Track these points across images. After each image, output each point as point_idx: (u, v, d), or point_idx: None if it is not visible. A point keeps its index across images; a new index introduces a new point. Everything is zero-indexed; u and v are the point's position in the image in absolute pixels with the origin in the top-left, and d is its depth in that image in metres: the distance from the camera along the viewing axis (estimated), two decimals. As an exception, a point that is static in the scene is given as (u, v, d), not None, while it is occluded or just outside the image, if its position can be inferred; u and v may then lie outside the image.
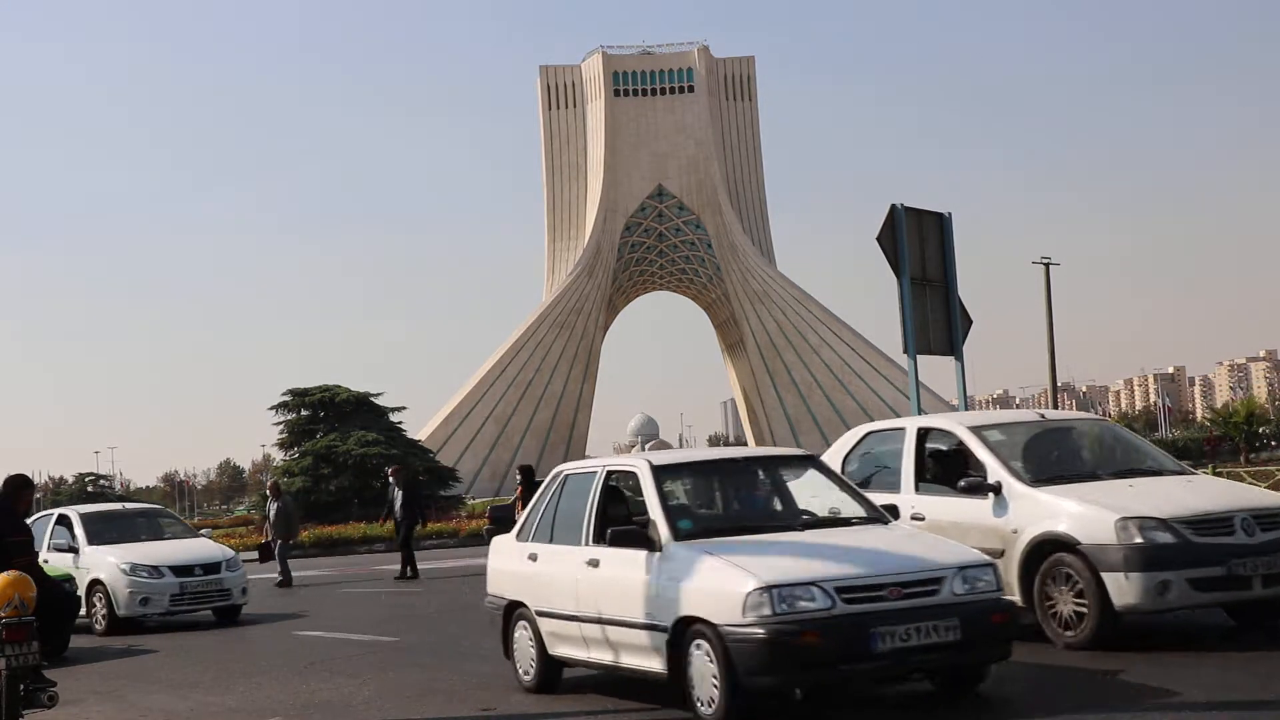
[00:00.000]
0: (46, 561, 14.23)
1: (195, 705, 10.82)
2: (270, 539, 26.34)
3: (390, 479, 26.67)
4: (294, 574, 25.99)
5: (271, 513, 26.56)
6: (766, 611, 7.89)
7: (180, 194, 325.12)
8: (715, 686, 8.20)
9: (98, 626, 18.05)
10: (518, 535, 10.68)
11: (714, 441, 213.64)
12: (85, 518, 19.44)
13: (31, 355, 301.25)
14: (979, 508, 10.38)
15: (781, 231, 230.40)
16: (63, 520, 19.46)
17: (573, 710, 9.22)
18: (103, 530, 19.12)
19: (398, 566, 25.51)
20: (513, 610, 10.51)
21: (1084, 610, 9.69)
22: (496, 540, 11.36)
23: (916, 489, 10.94)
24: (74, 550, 18.56)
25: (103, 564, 18.18)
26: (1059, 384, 42.26)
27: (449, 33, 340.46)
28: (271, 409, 65.14)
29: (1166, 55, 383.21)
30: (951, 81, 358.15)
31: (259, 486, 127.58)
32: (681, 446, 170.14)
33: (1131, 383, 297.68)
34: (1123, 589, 9.52)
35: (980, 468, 10.53)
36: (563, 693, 10.01)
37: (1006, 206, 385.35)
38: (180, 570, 18.15)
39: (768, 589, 7.93)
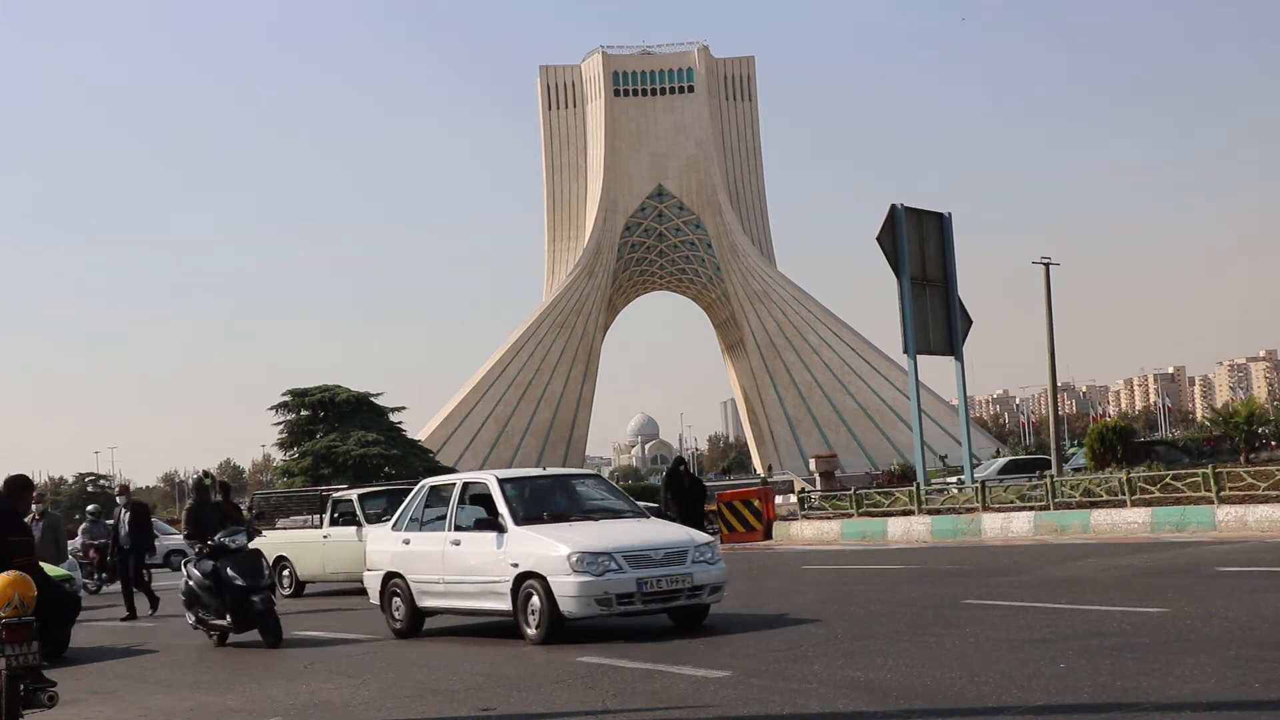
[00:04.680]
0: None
1: (195, 705, 10.81)
2: None
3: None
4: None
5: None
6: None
7: (179, 195, 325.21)
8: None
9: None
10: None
11: (714, 441, 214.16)
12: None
13: (32, 355, 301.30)
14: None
15: (781, 231, 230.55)
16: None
17: (572, 710, 9.22)
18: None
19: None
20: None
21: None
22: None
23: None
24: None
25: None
26: (1059, 384, 42.23)
27: (449, 33, 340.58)
28: (271, 409, 65.30)
29: (1165, 54, 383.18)
30: (951, 81, 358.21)
31: (259, 486, 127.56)
32: (681, 446, 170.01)
33: (1131, 383, 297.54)
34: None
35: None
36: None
37: (1006, 206, 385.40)
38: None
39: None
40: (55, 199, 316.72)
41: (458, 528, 13.95)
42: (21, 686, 8.34)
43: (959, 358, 32.50)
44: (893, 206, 31.34)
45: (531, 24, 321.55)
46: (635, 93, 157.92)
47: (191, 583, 15.56)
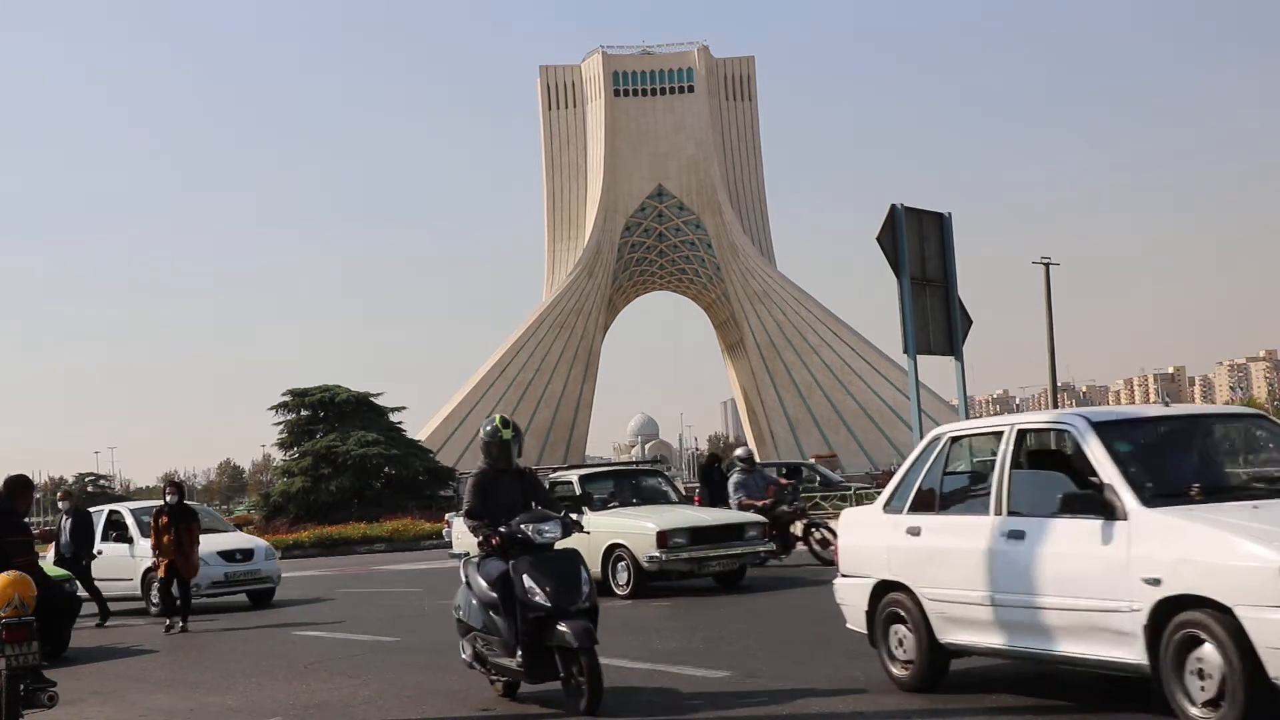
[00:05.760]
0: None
1: (195, 705, 10.80)
2: None
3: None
4: (298, 574, 25.67)
5: None
6: None
7: (179, 194, 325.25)
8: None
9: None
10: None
11: (714, 441, 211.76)
12: None
13: (32, 355, 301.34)
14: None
15: (781, 231, 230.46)
16: None
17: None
18: None
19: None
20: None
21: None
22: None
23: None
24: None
25: None
26: (1059, 384, 42.32)
27: (449, 33, 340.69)
28: (271, 409, 65.11)
29: (1163, 54, 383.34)
30: (951, 81, 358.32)
31: (259, 486, 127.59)
32: (681, 446, 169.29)
33: (1131, 383, 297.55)
34: None
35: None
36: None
37: (1006, 206, 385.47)
38: None
39: None
40: (56, 198, 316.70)
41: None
42: (21, 686, 8.35)
43: (959, 358, 32.43)
44: (893, 206, 31.18)
45: (531, 24, 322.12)
46: (635, 93, 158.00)
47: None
